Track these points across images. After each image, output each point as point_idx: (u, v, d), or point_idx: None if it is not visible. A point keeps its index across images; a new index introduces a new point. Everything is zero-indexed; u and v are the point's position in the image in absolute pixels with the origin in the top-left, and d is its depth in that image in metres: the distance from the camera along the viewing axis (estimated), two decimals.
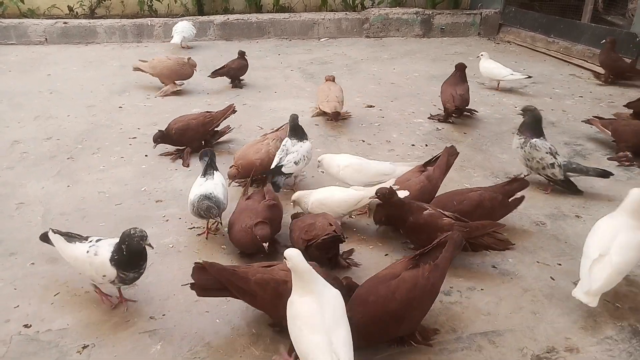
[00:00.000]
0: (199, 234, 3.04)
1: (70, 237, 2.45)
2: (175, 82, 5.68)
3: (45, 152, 4.15)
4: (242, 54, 5.95)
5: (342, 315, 1.94)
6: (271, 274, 2.23)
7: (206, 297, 2.51)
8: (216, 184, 3.02)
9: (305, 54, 7.53)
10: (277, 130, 3.93)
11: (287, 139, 3.59)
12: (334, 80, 5.12)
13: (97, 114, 5.02)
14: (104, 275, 2.31)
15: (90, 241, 2.39)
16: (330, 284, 2.04)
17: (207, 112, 4.27)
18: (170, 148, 4.14)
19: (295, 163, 3.44)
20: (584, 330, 2.34)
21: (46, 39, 7.98)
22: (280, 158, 3.46)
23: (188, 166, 3.91)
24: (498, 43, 8.44)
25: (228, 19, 8.41)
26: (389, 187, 2.83)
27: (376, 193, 2.81)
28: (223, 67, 5.86)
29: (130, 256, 2.29)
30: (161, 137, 4.04)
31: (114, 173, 3.82)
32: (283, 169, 3.41)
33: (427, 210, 2.76)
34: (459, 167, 3.94)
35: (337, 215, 2.98)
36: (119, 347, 2.23)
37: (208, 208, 2.84)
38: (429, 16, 8.75)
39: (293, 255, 1.96)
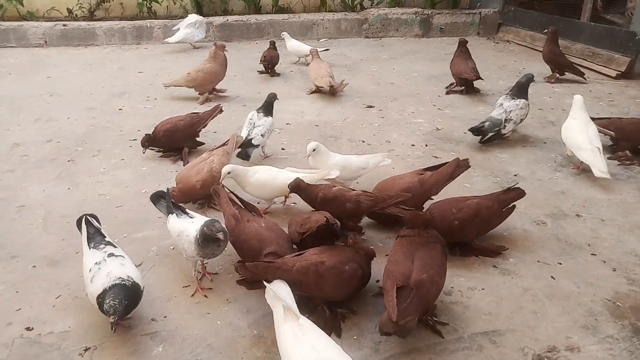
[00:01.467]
0: (192, 295, 2.60)
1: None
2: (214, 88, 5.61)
3: (45, 155, 4.16)
4: (273, 44, 6.48)
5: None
6: (307, 259, 2.36)
7: (209, 299, 2.52)
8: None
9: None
10: (224, 144, 3.60)
11: (254, 112, 4.08)
12: (318, 56, 5.61)
13: (97, 116, 5.03)
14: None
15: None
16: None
17: (194, 113, 4.25)
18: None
19: (262, 135, 3.93)
20: (585, 329, 2.35)
21: (46, 41, 7.99)
22: (249, 131, 3.92)
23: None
24: (497, 42, 8.44)
25: (227, 20, 8.41)
26: (295, 178, 2.97)
27: (288, 187, 2.95)
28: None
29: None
30: (149, 141, 4.02)
31: (114, 175, 3.83)
32: (253, 141, 3.86)
33: (336, 187, 2.97)
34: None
35: (275, 197, 3.28)
36: (120, 350, 2.23)
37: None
38: (428, 16, 8.75)
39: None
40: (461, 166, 3.20)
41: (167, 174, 3.82)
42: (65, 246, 2.96)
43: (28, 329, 2.34)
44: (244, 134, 3.88)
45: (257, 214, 2.85)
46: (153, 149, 4.11)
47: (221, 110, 4.29)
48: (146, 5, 8.73)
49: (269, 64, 6.43)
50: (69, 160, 4.07)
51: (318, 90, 5.29)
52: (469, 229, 2.84)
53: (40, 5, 8.64)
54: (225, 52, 5.54)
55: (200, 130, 4.18)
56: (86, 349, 2.23)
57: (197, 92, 5.50)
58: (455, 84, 5.77)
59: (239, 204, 2.89)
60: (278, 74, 6.49)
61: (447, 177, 3.15)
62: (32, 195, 3.51)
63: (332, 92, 5.12)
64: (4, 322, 2.37)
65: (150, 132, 4.06)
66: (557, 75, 6.11)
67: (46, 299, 2.53)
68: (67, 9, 8.68)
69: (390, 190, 3.05)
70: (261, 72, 6.54)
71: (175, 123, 4.08)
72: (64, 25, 8.04)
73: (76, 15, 8.73)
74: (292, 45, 6.95)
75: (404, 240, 2.45)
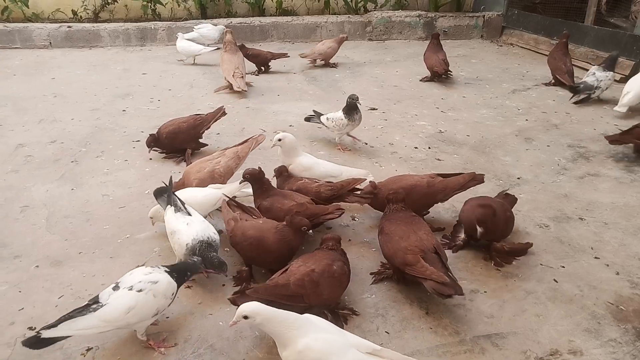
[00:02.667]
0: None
1: (78, 313, 2.11)
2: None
3: (49, 156, 4.17)
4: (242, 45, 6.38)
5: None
6: (297, 272, 2.34)
7: (211, 301, 2.52)
8: (203, 222, 2.69)
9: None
10: (241, 144, 3.55)
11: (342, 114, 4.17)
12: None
13: (100, 117, 5.05)
14: (173, 294, 2.30)
15: (112, 292, 2.19)
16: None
17: (197, 114, 4.25)
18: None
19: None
20: (588, 333, 2.34)
21: (50, 42, 8.02)
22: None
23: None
24: (501, 45, 8.43)
25: (231, 22, 8.43)
26: (258, 167, 3.01)
27: (244, 175, 2.97)
28: None
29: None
30: (154, 141, 4.04)
31: (117, 176, 3.84)
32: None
33: (301, 181, 3.17)
34: (462, 170, 3.94)
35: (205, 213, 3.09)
36: (122, 350, 2.24)
37: (220, 264, 2.51)
38: (431, 19, 8.75)
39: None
40: (476, 180, 3.17)
41: (168, 174, 3.82)
42: (68, 246, 2.96)
43: (31, 328, 2.34)
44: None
45: (257, 215, 2.86)
46: (157, 150, 4.12)
47: (224, 113, 4.29)
48: (150, 7, 8.76)
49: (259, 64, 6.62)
50: (72, 161, 4.08)
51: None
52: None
53: (45, 6, 8.68)
54: (229, 35, 5.83)
55: (204, 132, 4.18)
56: (88, 349, 2.23)
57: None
58: (428, 77, 6.31)
59: (240, 208, 2.89)
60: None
61: (457, 187, 3.11)
62: (35, 196, 3.53)
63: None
64: (6, 322, 2.38)
65: (155, 133, 4.07)
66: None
67: (49, 299, 2.53)
68: (72, 10, 8.71)
69: (394, 185, 3.07)
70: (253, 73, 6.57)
71: (179, 125, 4.08)
72: (69, 26, 8.07)
73: (81, 17, 8.77)
74: (182, 46, 6.95)
75: (394, 218, 2.71)
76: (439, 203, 3.21)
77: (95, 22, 8.63)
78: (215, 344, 2.27)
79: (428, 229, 2.66)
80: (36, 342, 2.01)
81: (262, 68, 6.63)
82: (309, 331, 1.94)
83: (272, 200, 2.94)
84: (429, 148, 4.37)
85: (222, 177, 3.26)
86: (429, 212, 3.28)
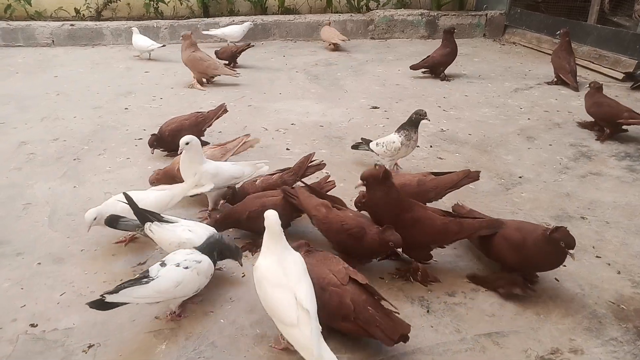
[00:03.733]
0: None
1: (136, 282, 2.27)
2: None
3: (52, 153, 4.18)
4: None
5: (303, 273, 2.16)
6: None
7: (211, 297, 2.53)
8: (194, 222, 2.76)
9: (310, 56, 7.54)
10: (232, 140, 3.68)
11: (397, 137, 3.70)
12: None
13: (103, 115, 5.06)
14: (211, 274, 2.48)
15: (162, 267, 2.35)
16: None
17: (199, 112, 4.26)
18: None
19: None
20: (589, 332, 2.34)
21: (53, 40, 8.04)
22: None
23: None
24: (503, 44, 8.42)
25: (233, 20, 8.43)
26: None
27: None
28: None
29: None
30: (157, 141, 4.03)
31: (120, 174, 3.84)
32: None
33: (259, 182, 3.24)
34: (464, 169, 3.93)
35: None
36: (124, 347, 2.25)
37: (238, 250, 2.69)
38: (434, 17, 8.75)
39: (270, 216, 2.19)
40: (470, 177, 3.10)
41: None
42: (70, 244, 2.97)
43: (32, 325, 2.35)
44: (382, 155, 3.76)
45: (340, 203, 2.89)
46: (160, 150, 4.13)
47: (226, 110, 4.29)
48: (153, 5, 8.77)
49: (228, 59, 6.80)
50: (75, 159, 4.09)
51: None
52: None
53: (47, 5, 8.70)
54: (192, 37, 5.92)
55: (205, 129, 4.19)
56: (90, 346, 2.24)
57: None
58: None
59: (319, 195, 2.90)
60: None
61: (450, 185, 3.06)
62: (38, 193, 3.54)
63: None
64: (8, 318, 2.39)
65: (157, 132, 4.08)
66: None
67: (51, 296, 2.54)
68: (75, 8, 8.73)
69: None
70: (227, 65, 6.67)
71: (181, 122, 4.09)
72: (72, 25, 8.09)
73: (83, 15, 8.78)
74: (135, 41, 7.23)
75: (397, 197, 2.61)
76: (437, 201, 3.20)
77: (98, 20, 8.65)
78: (217, 342, 2.28)
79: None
80: (101, 305, 2.15)
81: (230, 62, 6.79)
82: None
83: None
84: (431, 147, 4.37)
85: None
86: None
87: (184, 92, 5.78)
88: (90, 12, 8.80)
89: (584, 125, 4.81)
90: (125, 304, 2.21)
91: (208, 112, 4.23)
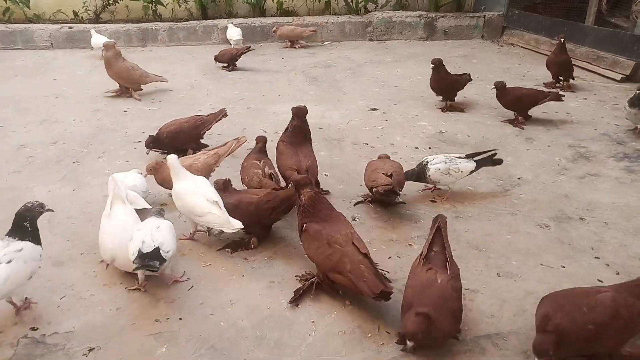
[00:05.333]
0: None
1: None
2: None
3: (51, 156, 4.18)
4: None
5: (209, 185, 2.99)
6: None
7: (211, 301, 2.53)
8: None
9: (308, 58, 7.55)
10: (223, 145, 3.67)
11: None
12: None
13: (102, 118, 5.06)
14: (41, 255, 2.44)
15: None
16: None
17: (198, 115, 4.27)
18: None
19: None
20: None
21: (52, 43, 8.04)
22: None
23: None
24: (502, 45, 8.44)
25: (232, 23, 8.43)
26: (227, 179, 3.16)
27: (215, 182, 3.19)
28: None
29: (34, 230, 2.44)
30: (154, 142, 4.03)
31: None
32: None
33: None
34: None
35: None
36: (124, 350, 2.25)
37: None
38: (432, 19, 8.76)
39: (172, 157, 2.99)
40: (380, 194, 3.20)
41: None
42: (70, 247, 2.98)
43: (33, 329, 2.36)
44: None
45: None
46: (157, 151, 4.13)
47: (225, 115, 4.30)
48: (151, 7, 8.77)
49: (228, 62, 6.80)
50: (74, 162, 4.09)
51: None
52: (606, 338, 2.09)
53: (46, 7, 8.70)
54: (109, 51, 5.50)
55: (204, 132, 4.19)
56: (90, 349, 2.24)
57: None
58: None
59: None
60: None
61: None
62: (37, 196, 3.52)
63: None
64: (9, 322, 2.39)
65: (155, 134, 4.08)
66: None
67: (51, 300, 2.54)
68: (73, 11, 8.73)
69: (377, 169, 3.31)
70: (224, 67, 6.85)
71: (180, 125, 4.10)
72: (70, 27, 8.09)
73: (82, 17, 8.78)
74: (94, 41, 7.38)
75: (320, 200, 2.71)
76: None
77: (97, 22, 8.65)
78: (217, 344, 2.28)
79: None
80: None
81: (229, 65, 6.80)
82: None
83: (238, 197, 3.00)
84: (430, 148, 4.37)
85: (199, 172, 3.34)
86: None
87: (182, 95, 5.79)
88: (89, 14, 8.80)
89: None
90: None
91: (208, 115, 4.24)
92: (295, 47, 8.09)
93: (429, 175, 3.42)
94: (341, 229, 2.55)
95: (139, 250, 2.42)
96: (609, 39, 6.73)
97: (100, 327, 2.37)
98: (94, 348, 2.25)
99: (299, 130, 3.61)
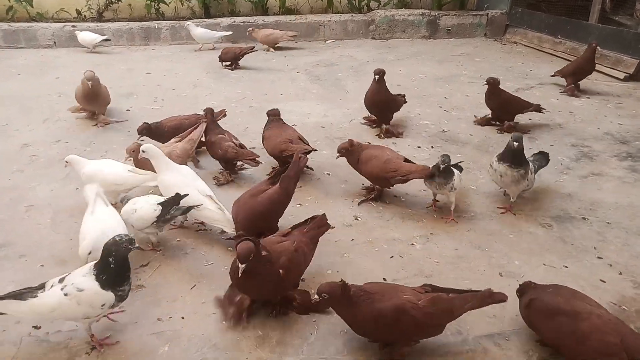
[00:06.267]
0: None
1: (19, 295, 2.15)
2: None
3: (54, 155, 4.19)
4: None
5: (196, 176, 3.13)
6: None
7: (212, 299, 2.54)
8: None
9: (311, 56, 7.55)
10: (193, 129, 3.81)
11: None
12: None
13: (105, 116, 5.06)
14: (103, 304, 2.13)
15: (54, 285, 2.15)
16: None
17: (197, 114, 4.26)
18: None
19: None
20: None
21: (55, 42, 8.05)
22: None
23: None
24: (504, 44, 8.41)
25: (234, 21, 8.44)
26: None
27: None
28: None
29: (118, 268, 2.14)
30: (147, 130, 4.01)
31: None
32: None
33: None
34: (465, 169, 3.93)
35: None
36: (126, 349, 2.26)
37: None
38: (435, 17, 8.74)
39: (149, 147, 3.09)
40: (421, 172, 3.25)
41: None
42: (72, 246, 2.97)
43: (36, 327, 2.36)
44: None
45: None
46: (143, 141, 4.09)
47: (225, 115, 4.31)
48: (154, 6, 8.77)
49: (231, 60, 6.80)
50: None
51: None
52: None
53: (49, 6, 8.71)
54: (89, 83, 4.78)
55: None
56: (93, 348, 2.25)
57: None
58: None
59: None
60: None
61: (405, 173, 3.29)
62: (40, 195, 3.55)
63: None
64: (12, 321, 2.39)
65: (150, 123, 4.06)
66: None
67: None
68: (76, 10, 8.74)
69: (376, 159, 3.34)
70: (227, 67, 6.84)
71: (181, 121, 4.13)
72: (73, 26, 8.09)
73: (85, 16, 8.79)
74: (82, 38, 7.54)
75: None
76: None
77: (99, 21, 8.66)
78: (219, 344, 2.29)
79: None
80: None
81: (232, 64, 6.80)
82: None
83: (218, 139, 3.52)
84: (432, 147, 4.37)
85: (179, 158, 3.51)
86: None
87: (185, 94, 5.79)
88: (92, 13, 8.80)
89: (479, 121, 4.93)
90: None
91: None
92: (271, 50, 7.79)
93: (454, 180, 3.19)
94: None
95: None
96: (612, 37, 6.71)
97: (103, 325, 2.37)
98: (96, 346, 2.26)
99: (276, 120, 3.92)
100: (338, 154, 3.47)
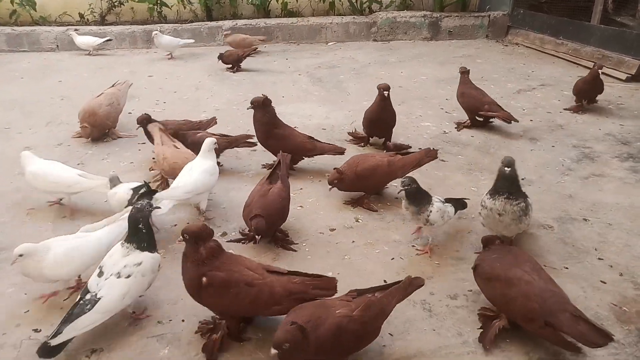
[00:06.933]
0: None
1: (75, 315, 2.19)
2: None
3: (56, 158, 4.15)
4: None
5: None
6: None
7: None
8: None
9: (313, 58, 7.56)
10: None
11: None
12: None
13: None
14: (159, 265, 2.43)
15: (100, 283, 2.26)
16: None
17: (187, 120, 4.27)
18: None
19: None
20: None
21: (57, 45, 8.09)
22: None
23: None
24: (506, 45, 8.41)
25: (236, 24, 8.47)
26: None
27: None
28: None
29: (148, 230, 2.42)
30: (148, 119, 4.01)
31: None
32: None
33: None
34: (467, 171, 3.94)
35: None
36: (127, 352, 2.26)
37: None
38: (436, 19, 8.74)
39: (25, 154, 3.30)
40: (429, 156, 3.44)
41: None
42: None
43: (36, 330, 2.37)
44: None
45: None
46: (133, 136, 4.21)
47: (215, 122, 4.30)
48: (156, 9, 8.81)
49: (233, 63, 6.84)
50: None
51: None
52: None
53: (52, 10, 8.76)
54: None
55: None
56: (93, 351, 2.26)
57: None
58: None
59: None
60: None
61: (414, 163, 3.40)
62: (42, 198, 3.55)
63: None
64: (12, 324, 2.41)
65: (149, 115, 4.05)
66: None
67: (54, 301, 2.56)
68: (79, 13, 8.79)
69: (357, 167, 3.36)
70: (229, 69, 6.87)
71: (179, 125, 4.10)
72: (76, 29, 8.13)
73: (87, 20, 8.84)
74: (80, 41, 7.68)
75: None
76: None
77: (102, 24, 8.71)
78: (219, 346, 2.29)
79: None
80: (50, 351, 2.13)
81: (234, 66, 6.85)
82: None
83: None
84: (433, 149, 4.35)
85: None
86: (387, 187, 3.55)
87: (187, 96, 5.81)
88: (95, 16, 8.85)
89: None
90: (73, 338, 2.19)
91: (199, 121, 4.23)
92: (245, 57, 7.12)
93: (429, 212, 2.84)
94: (247, 265, 2.30)
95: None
96: (614, 38, 6.70)
97: (103, 328, 2.37)
98: (96, 350, 2.26)
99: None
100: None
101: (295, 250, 2.98)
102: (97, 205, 3.48)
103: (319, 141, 3.92)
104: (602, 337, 2.09)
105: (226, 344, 2.28)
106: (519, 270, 2.31)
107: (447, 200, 3.01)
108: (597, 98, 5.25)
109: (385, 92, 4.18)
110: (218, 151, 3.73)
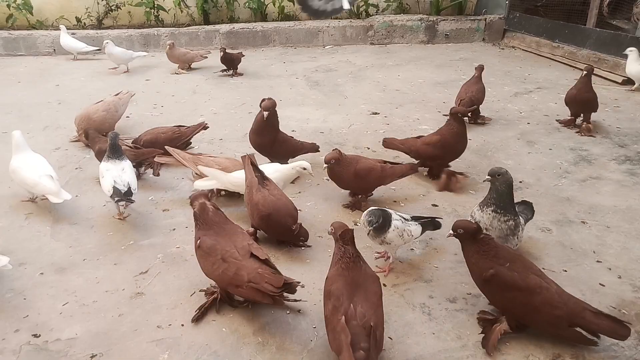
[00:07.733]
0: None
1: None
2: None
3: (53, 163, 4.15)
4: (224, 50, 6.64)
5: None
6: None
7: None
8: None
9: (310, 62, 7.57)
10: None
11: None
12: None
13: None
14: None
15: None
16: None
17: (177, 126, 4.21)
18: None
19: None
20: None
21: (54, 49, 8.07)
22: None
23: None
24: (503, 48, 8.44)
25: (233, 28, 8.47)
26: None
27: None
28: None
29: None
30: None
31: None
32: None
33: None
34: (463, 173, 3.94)
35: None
36: (126, 356, 2.25)
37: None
38: (433, 22, 8.77)
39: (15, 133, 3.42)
40: (412, 169, 3.58)
41: (174, 182, 3.85)
42: (72, 253, 2.98)
43: (35, 335, 2.36)
44: None
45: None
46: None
47: (205, 127, 4.25)
48: (153, 13, 8.81)
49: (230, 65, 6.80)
50: (76, 168, 4.10)
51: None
52: None
53: (49, 14, 8.74)
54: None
55: (183, 144, 4.10)
56: (93, 356, 2.25)
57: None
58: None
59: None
60: (241, 74, 6.84)
61: (399, 175, 3.52)
62: (40, 203, 3.55)
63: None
64: (11, 329, 2.40)
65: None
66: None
67: (53, 306, 2.55)
68: (76, 17, 8.77)
69: (359, 162, 3.42)
70: (223, 71, 6.86)
71: (157, 135, 4.05)
72: (73, 33, 8.11)
73: (84, 23, 8.83)
74: (67, 43, 7.50)
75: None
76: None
77: (99, 28, 8.69)
78: (219, 351, 2.29)
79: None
80: None
81: (232, 70, 6.84)
82: None
83: None
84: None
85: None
86: (372, 195, 3.57)
87: (185, 100, 5.81)
88: (92, 20, 8.84)
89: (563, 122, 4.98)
90: None
91: (187, 128, 4.18)
92: (183, 71, 6.97)
93: (386, 232, 2.68)
94: (237, 242, 2.44)
95: (115, 188, 3.15)
96: (610, 41, 6.74)
97: (103, 333, 2.37)
98: (96, 354, 2.26)
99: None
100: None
101: (310, 246, 3.05)
102: (96, 209, 3.47)
103: (303, 142, 4.11)
104: (624, 328, 2.21)
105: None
106: (533, 276, 2.32)
107: (416, 219, 2.86)
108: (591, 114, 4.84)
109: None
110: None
